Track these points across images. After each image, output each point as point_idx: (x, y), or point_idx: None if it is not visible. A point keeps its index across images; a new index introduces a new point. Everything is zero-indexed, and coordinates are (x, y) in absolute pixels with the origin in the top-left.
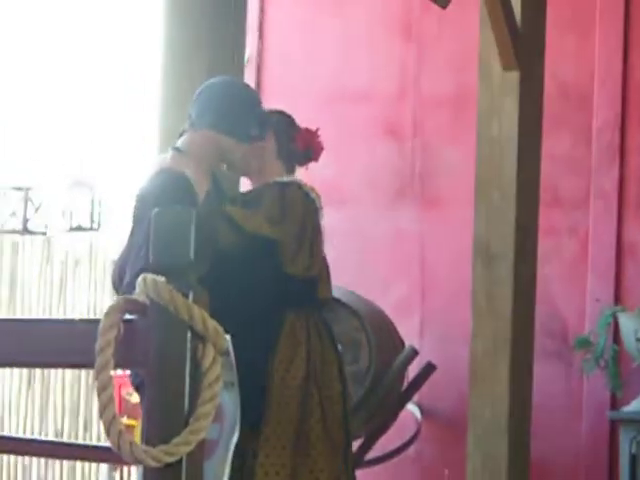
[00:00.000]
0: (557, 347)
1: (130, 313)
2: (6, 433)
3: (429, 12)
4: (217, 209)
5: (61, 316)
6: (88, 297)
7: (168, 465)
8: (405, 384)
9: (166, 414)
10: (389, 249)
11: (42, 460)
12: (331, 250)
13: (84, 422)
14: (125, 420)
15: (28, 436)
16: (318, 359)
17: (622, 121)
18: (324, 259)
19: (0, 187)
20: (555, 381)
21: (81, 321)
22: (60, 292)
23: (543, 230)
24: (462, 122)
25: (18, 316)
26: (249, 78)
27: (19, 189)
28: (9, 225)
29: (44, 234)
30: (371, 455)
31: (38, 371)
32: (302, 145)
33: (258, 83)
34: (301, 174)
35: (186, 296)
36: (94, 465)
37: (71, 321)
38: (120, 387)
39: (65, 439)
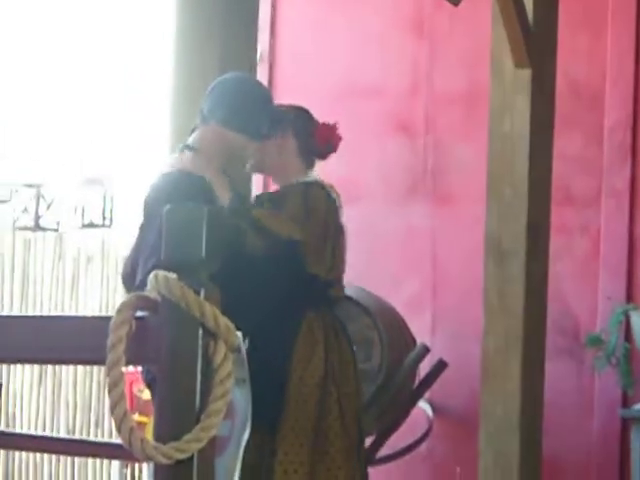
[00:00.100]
0: (569, 345)
1: (142, 310)
2: (18, 430)
3: (441, 9)
4: (243, 211)
5: (73, 313)
6: (100, 294)
7: (179, 462)
8: (417, 382)
9: (177, 411)
10: (401, 246)
11: (53, 457)
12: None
13: (95, 419)
14: (136, 417)
15: (40, 433)
16: (336, 358)
17: (634, 120)
18: (344, 259)
19: (12, 184)
20: (567, 379)
21: (93, 318)
22: (72, 289)
23: (555, 228)
24: (474, 119)
25: (30, 313)
26: (261, 75)
27: (31, 186)
28: (21, 222)
29: (56, 231)
30: (382, 452)
31: (50, 367)
32: (322, 140)
33: (270, 80)
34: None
35: (198, 293)
36: (105, 462)
37: (83, 318)
38: (131, 384)
39: (76, 436)
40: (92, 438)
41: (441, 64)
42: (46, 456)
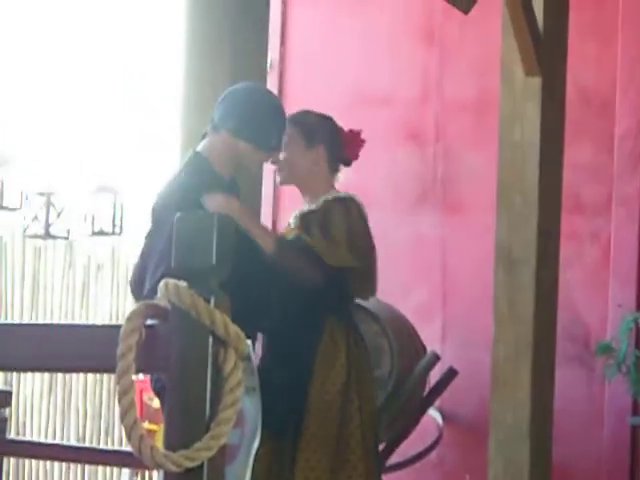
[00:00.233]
0: (579, 352)
1: (152, 318)
2: (28, 437)
3: (451, 17)
4: (298, 243)
5: (83, 320)
6: (110, 301)
7: (189, 470)
8: (427, 389)
9: (187, 419)
10: (410, 254)
11: (64, 464)
12: None
13: (105, 427)
14: (146, 425)
15: (50, 440)
16: (356, 365)
17: None
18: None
19: (23, 192)
20: (577, 387)
21: (103, 326)
22: (82, 296)
23: (565, 236)
24: (484, 127)
25: (40, 320)
26: (272, 83)
27: (42, 194)
28: (32, 230)
29: (66, 239)
30: (393, 460)
31: (60, 376)
32: (350, 148)
33: (280, 88)
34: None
35: (208, 301)
36: (115, 470)
37: (93, 326)
38: (141, 392)
39: (87, 444)
40: (102, 446)
41: (451, 72)
42: (56, 464)
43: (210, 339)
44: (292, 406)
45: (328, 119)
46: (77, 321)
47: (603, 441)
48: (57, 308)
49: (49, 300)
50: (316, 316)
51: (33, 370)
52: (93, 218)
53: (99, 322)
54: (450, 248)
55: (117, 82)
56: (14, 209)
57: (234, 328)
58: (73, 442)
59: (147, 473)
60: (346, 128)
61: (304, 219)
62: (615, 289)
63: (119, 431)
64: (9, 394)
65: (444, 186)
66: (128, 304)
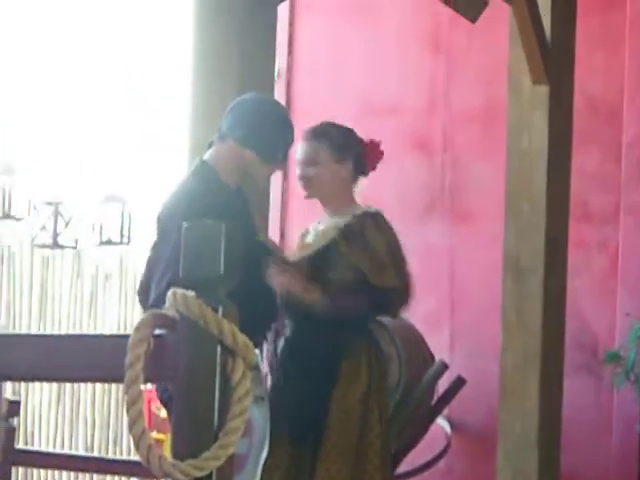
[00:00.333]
0: (587, 361)
1: (160, 327)
2: (36, 447)
3: (458, 26)
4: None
5: (91, 330)
6: (118, 311)
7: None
8: (435, 398)
9: (195, 428)
10: (419, 263)
11: (72, 474)
12: None
13: (114, 436)
14: (154, 434)
15: (58, 450)
16: (376, 374)
17: None
18: None
19: (31, 201)
20: (585, 395)
21: (111, 336)
22: (90, 306)
23: (573, 244)
24: (492, 136)
25: (48, 330)
26: (279, 93)
27: (49, 203)
28: (40, 239)
29: (74, 248)
30: (401, 469)
31: (68, 385)
32: (371, 159)
33: (288, 97)
34: None
35: (216, 310)
36: (124, 479)
37: (101, 336)
38: (150, 401)
39: (95, 453)
40: (110, 456)
41: (459, 81)
42: (65, 473)
43: (218, 348)
44: (313, 415)
45: (353, 132)
46: (85, 331)
47: (611, 449)
48: (65, 318)
49: (57, 310)
50: (344, 334)
51: (41, 380)
52: (101, 227)
53: (107, 332)
54: (458, 257)
55: (125, 91)
56: (22, 219)
57: (242, 337)
58: (81, 452)
59: None
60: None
61: (342, 235)
62: (623, 297)
63: (127, 441)
64: (17, 404)
65: (452, 195)
66: (136, 314)
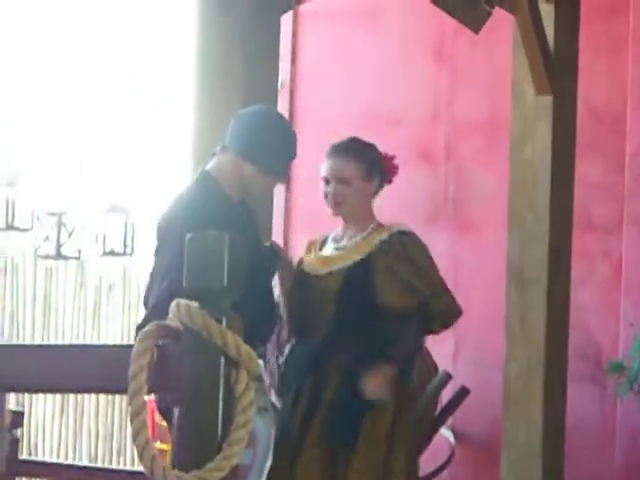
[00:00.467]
0: (591, 371)
1: (163, 338)
2: (40, 458)
3: (462, 36)
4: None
5: (94, 341)
6: (122, 322)
7: None
8: (439, 408)
9: (199, 439)
10: None
11: None
12: None
13: (117, 447)
14: (158, 445)
15: (62, 461)
16: (404, 396)
17: None
18: None
19: (34, 212)
20: (589, 405)
21: (114, 346)
22: (94, 317)
23: (576, 254)
24: (495, 146)
25: (52, 341)
26: (282, 103)
27: (53, 214)
28: (43, 250)
29: (78, 259)
30: None
31: (72, 396)
32: (390, 174)
33: (291, 108)
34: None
35: (220, 321)
36: None
37: (105, 346)
38: (153, 412)
39: (99, 464)
40: (114, 466)
41: (462, 91)
42: None
43: (222, 360)
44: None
45: (377, 149)
46: (88, 341)
47: (615, 459)
48: (68, 328)
49: (60, 320)
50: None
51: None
52: (104, 238)
53: (110, 342)
54: (462, 267)
55: (127, 98)
56: (25, 229)
57: (246, 349)
58: (85, 462)
59: None
60: None
61: (380, 251)
62: (627, 307)
63: (131, 451)
64: (21, 415)
65: (455, 205)
66: None
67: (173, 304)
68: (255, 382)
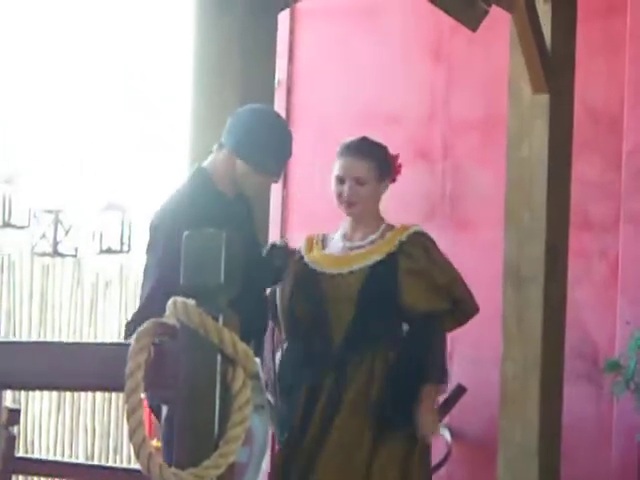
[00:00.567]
0: (587, 370)
1: (160, 336)
2: (37, 455)
3: (459, 35)
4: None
5: (91, 338)
6: (118, 319)
7: None
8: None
9: (196, 437)
10: None
11: None
12: None
13: (114, 445)
14: (155, 443)
15: (58, 458)
16: None
17: None
18: None
19: (31, 209)
20: (585, 404)
21: (111, 344)
22: (90, 314)
23: (573, 253)
24: (492, 144)
25: (49, 338)
26: (279, 101)
27: (50, 211)
28: (40, 247)
29: (74, 256)
30: None
31: (68, 394)
32: (397, 173)
33: (288, 106)
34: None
35: (216, 319)
36: None
37: (101, 344)
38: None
39: (95, 462)
40: (111, 464)
41: (459, 90)
42: None
43: (218, 357)
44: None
45: (387, 148)
46: (85, 339)
47: (611, 458)
48: (65, 326)
49: (57, 318)
50: None
51: (41, 388)
52: (101, 236)
53: (107, 340)
54: (458, 265)
55: (126, 96)
56: (22, 227)
57: (242, 346)
58: (82, 460)
59: None
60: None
61: (402, 252)
62: (623, 306)
63: (128, 449)
64: (18, 412)
65: (452, 203)
66: None
67: (170, 302)
68: (252, 380)
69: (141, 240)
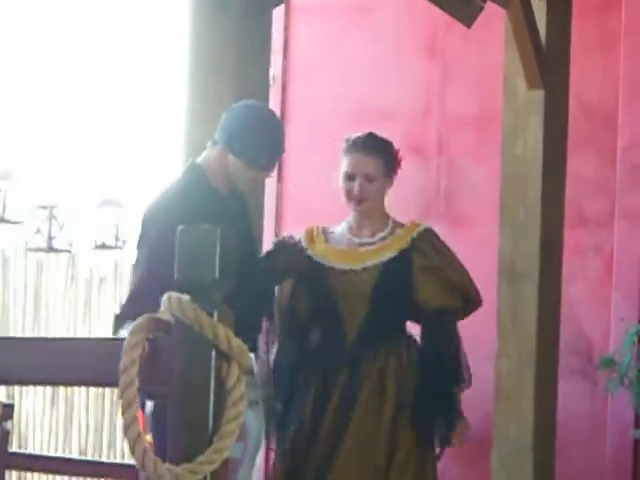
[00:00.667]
0: (582, 366)
1: (155, 331)
2: (30, 451)
3: (454, 30)
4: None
5: (86, 334)
6: (113, 315)
7: None
8: None
9: (190, 432)
10: None
11: (66, 478)
12: None
13: (108, 440)
14: (149, 438)
15: (52, 454)
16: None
17: None
18: None
19: (25, 205)
20: (580, 400)
21: (106, 339)
22: (85, 310)
23: (568, 249)
24: (487, 140)
25: (43, 334)
26: (274, 97)
27: (44, 207)
28: (34, 243)
29: (69, 252)
30: None
31: (62, 389)
32: (399, 167)
33: (283, 102)
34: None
35: (211, 315)
36: None
37: (96, 340)
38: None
39: (89, 457)
40: (104, 459)
41: (454, 85)
42: (58, 477)
43: (213, 353)
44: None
45: (393, 144)
46: (79, 334)
47: (606, 454)
48: (60, 322)
49: (51, 314)
50: None
51: (35, 384)
52: (96, 231)
53: (102, 335)
54: None
55: (123, 93)
56: (16, 222)
57: (237, 342)
58: (75, 455)
59: None
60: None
61: (415, 249)
62: (618, 302)
63: (121, 444)
64: (11, 407)
65: (447, 200)
66: None
67: (164, 297)
68: (246, 375)
69: (135, 236)
